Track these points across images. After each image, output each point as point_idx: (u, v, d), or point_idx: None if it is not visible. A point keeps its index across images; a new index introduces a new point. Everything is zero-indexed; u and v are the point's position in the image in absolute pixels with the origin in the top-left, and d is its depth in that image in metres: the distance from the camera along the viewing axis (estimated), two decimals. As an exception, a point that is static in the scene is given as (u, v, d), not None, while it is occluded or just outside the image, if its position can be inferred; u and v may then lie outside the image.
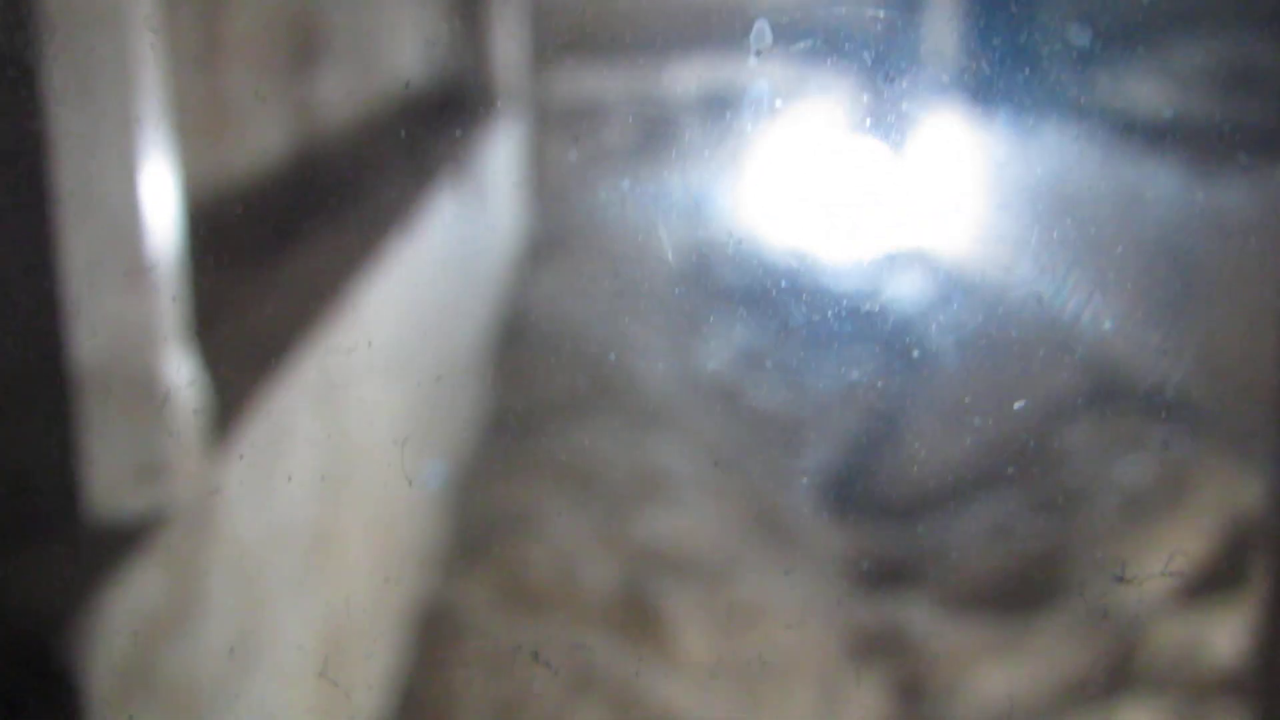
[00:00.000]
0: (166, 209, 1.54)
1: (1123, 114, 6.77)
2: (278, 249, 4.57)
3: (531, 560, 3.63)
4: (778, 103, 9.04)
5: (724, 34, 9.36)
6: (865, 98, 9.10)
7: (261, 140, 4.44)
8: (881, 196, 8.92)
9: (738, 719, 3.09)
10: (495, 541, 3.75)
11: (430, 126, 7.46)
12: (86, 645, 1.27)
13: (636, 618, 3.40)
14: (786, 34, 8.75)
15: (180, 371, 1.56)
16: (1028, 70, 8.02)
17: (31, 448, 1.43)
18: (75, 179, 1.42)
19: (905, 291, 7.31)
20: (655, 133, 9.20)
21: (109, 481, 1.46)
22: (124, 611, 1.36)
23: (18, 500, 1.42)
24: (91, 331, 1.45)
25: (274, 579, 1.97)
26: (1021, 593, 4.17)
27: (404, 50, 7.50)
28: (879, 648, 3.77)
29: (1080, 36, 8.12)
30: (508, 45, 8.48)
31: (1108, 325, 5.80)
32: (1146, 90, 7.19)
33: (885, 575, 4.58)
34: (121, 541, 1.42)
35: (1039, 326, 6.23)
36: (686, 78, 9.15)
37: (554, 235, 8.55)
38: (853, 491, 5.57)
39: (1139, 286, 5.55)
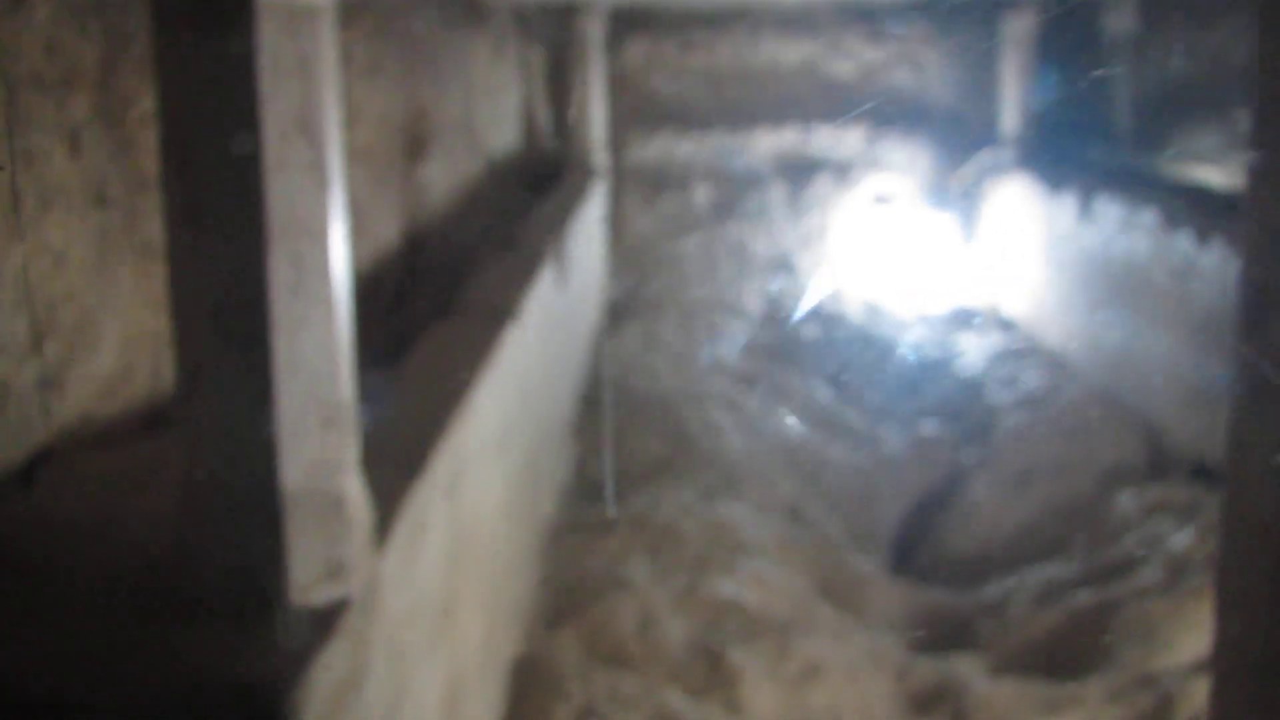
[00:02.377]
0: (349, 366, 1.99)
1: (1182, 190, 7.05)
2: (394, 338, 5.04)
3: (613, 618, 4.02)
4: (853, 170, 9.44)
5: (800, 104, 9.76)
6: (938, 169, 9.47)
7: (377, 229, 4.92)
8: (951, 262, 9.27)
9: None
10: (581, 601, 4.15)
11: (526, 200, 7.95)
12: (299, 701, 1.71)
13: (709, 671, 3.78)
14: (864, 100, 9.11)
15: (356, 489, 2.01)
16: (1090, 148, 8.36)
17: (253, 550, 1.88)
18: (287, 347, 1.88)
19: (972, 355, 7.63)
20: (734, 197, 9.61)
21: (308, 577, 1.92)
22: (324, 677, 1.81)
23: (243, 590, 1.88)
24: (297, 463, 1.90)
25: (413, 645, 2.41)
26: (1071, 656, 4.47)
27: (504, 132, 7.99)
28: (936, 703, 4.10)
29: (1140, 117, 8.43)
30: (596, 120, 8.95)
31: (1164, 394, 6.09)
32: (1205, 167, 7.47)
33: (944, 634, 4.89)
34: (319, 623, 1.87)
35: (1098, 394, 6.54)
36: (765, 145, 9.56)
37: (636, 299, 8.95)
38: (916, 553, 5.89)
39: (1193, 357, 5.82)
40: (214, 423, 1.92)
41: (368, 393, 3.17)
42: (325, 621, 1.90)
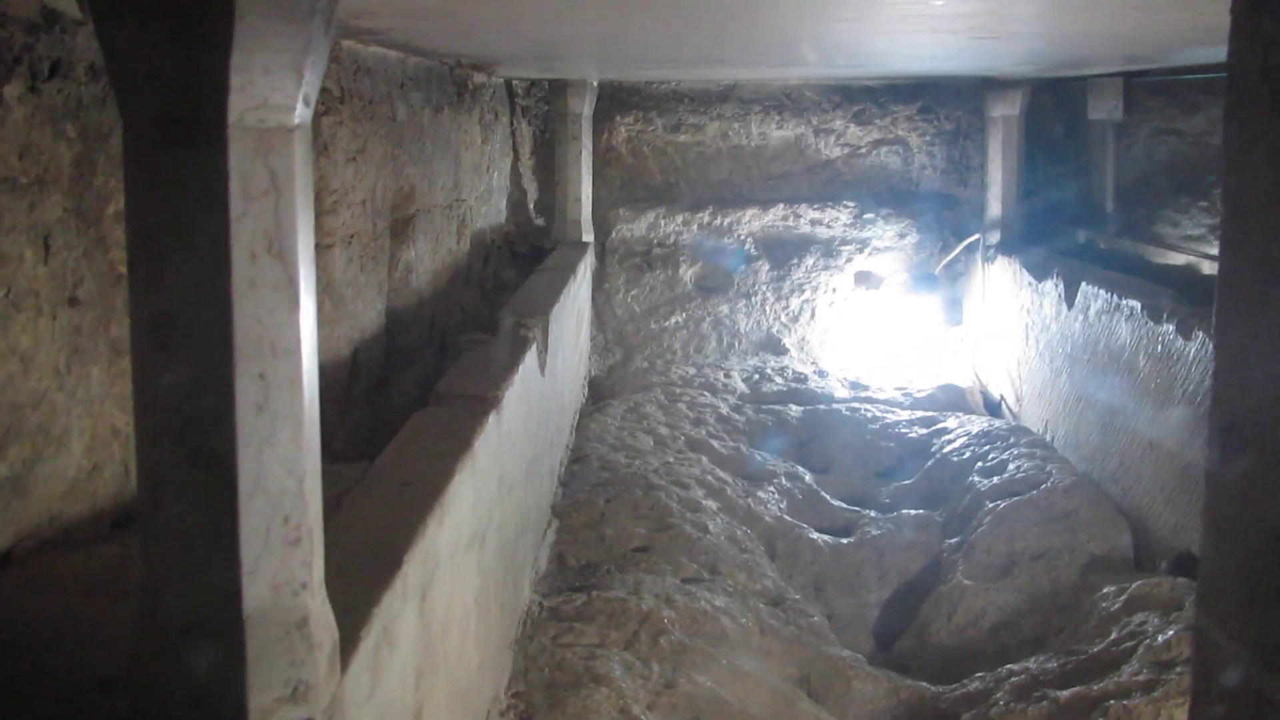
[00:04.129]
0: (315, 483, 1.97)
1: (1165, 276, 7.09)
2: (374, 422, 5.01)
3: (590, 716, 3.95)
4: (840, 250, 9.47)
5: (788, 183, 9.82)
6: (925, 249, 9.52)
7: (359, 312, 4.90)
8: (936, 343, 9.29)
9: None
10: (557, 696, 4.09)
11: (512, 276, 7.95)
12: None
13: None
14: (851, 180, 9.21)
15: (320, 608, 1.97)
16: (1076, 230, 8.41)
17: (212, 672, 1.84)
18: (252, 466, 1.85)
19: (956, 437, 7.61)
20: (721, 274, 9.63)
21: (269, 700, 1.88)
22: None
23: (201, 714, 1.84)
24: (259, 582, 1.87)
25: (380, 760, 2.36)
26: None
27: (491, 208, 8.02)
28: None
29: (1125, 200, 8.49)
30: (584, 196, 8.99)
31: (1148, 483, 6.08)
32: (1190, 250, 7.51)
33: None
34: (280, 751, 1.84)
35: (1081, 480, 6.52)
36: (753, 223, 9.60)
37: (621, 376, 8.93)
38: (899, 641, 5.83)
39: (1176, 446, 5.82)
40: (175, 541, 1.89)
41: (346, 499, 3.14)
42: (286, 747, 1.86)
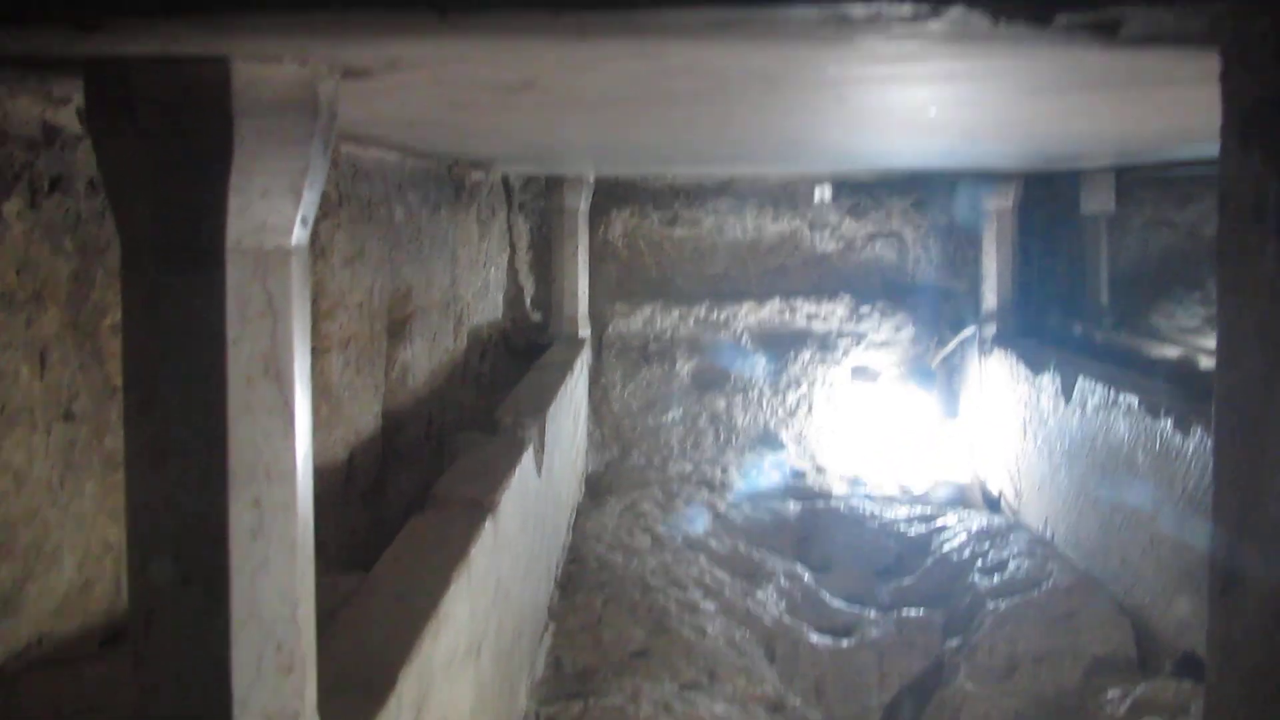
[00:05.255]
0: (309, 610, 1.94)
1: (1162, 370, 7.08)
2: (371, 523, 4.96)
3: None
4: (837, 344, 9.48)
5: (784, 277, 9.86)
6: (921, 343, 9.53)
7: (355, 414, 4.88)
8: (934, 438, 9.26)
9: None
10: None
11: (510, 372, 7.94)
12: None
13: None
14: (847, 273, 9.19)
15: (314, 734, 1.94)
16: (1072, 323, 8.42)
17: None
18: (246, 591, 1.83)
19: (955, 535, 7.55)
20: (718, 369, 9.63)
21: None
22: None
23: None
24: (252, 709, 1.84)
25: None
26: None
27: (488, 303, 8.04)
28: None
29: (1120, 293, 8.52)
30: (580, 291, 9.01)
31: (1149, 580, 6.02)
32: (1186, 342, 7.51)
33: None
34: None
35: (1082, 578, 6.46)
36: (749, 318, 9.62)
37: (618, 472, 8.89)
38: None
39: (1176, 542, 5.77)
40: (167, 665, 1.85)
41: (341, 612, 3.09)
42: None
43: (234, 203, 1.78)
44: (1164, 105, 3.27)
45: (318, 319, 4.27)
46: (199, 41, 1.65)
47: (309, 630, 1.93)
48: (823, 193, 9.74)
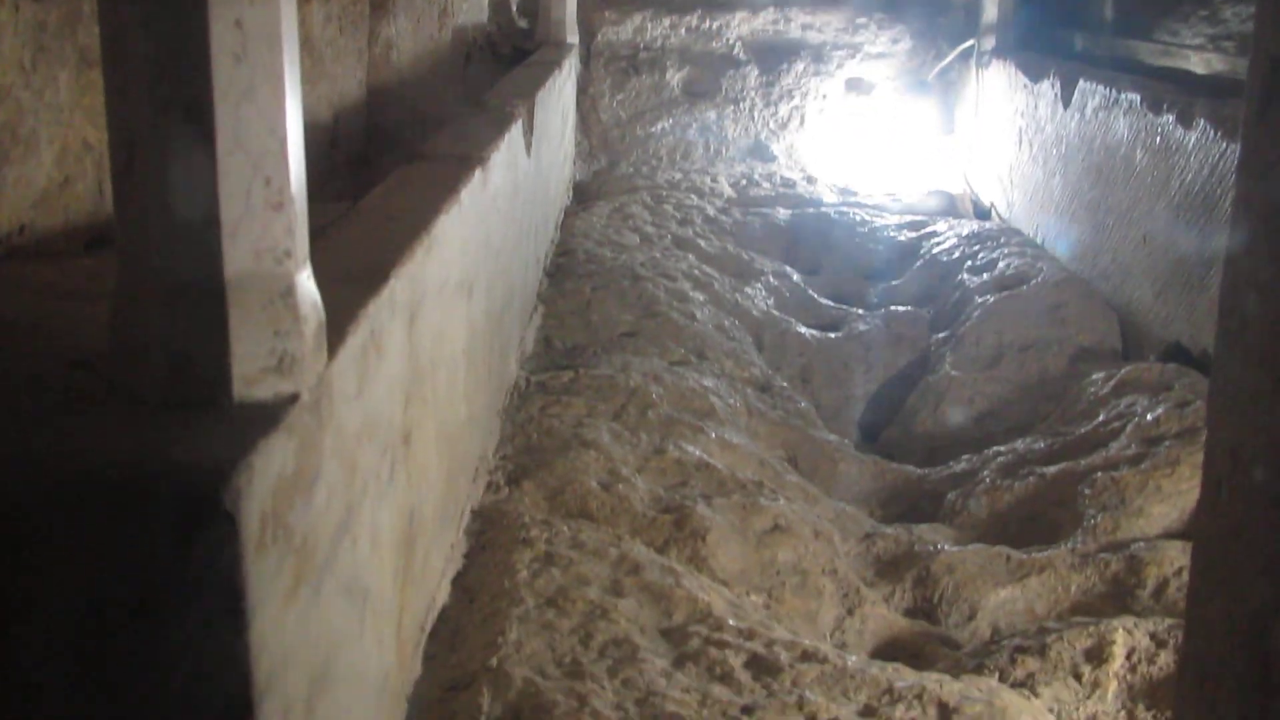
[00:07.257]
0: (298, 151, 1.85)
1: (1164, 73, 6.93)
2: (355, 195, 4.88)
3: (578, 474, 3.92)
4: (831, 56, 9.24)
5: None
6: (918, 55, 9.29)
7: (338, 73, 4.74)
8: (928, 149, 9.13)
9: (764, 619, 3.39)
10: (544, 458, 4.05)
11: (494, 73, 7.73)
12: (240, 486, 1.60)
13: (674, 527, 3.71)
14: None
15: (305, 281, 1.88)
16: (1073, 37, 8.20)
17: (193, 340, 1.76)
18: (231, 120, 1.74)
19: (946, 240, 7.53)
20: (709, 80, 9.41)
21: (253, 369, 1.80)
22: (269, 469, 1.70)
23: (182, 382, 1.77)
24: (241, 246, 1.77)
25: (368, 464, 2.30)
26: (1040, 525, 4.42)
27: (473, 8, 7.75)
28: (902, 565, 4.05)
29: (1124, 6, 8.26)
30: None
31: (1140, 277, 6.02)
32: (1188, 57, 7.33)
33: (912, 506, 4.85)
34: (265, 416, 1.76)
35: (1072, 278, 6.47)
36: (742, 28, 9.34)
37: (606, 181, 8.79)
38: (885, 430, 5.83)
39: (1170, 239, 5.75)
40: (151, 202, 1.78)
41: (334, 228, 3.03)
42: (271, 415, 1.78)
43: None
44: None
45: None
46: None
47: (299, 170, 1.85)
48: None
